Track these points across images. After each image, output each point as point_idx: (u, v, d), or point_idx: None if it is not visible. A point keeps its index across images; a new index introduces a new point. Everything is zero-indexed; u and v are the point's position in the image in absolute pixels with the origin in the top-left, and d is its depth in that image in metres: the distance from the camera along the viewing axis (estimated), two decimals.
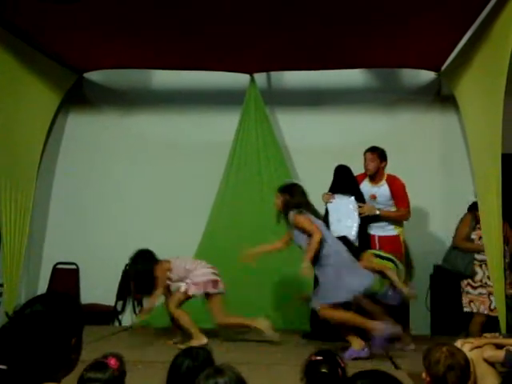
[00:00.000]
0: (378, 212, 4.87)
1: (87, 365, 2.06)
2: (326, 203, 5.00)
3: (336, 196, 4.97)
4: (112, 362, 2.05)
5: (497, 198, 4.21)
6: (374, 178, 4.98)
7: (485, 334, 3.27)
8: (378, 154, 4.95)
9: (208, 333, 4.68)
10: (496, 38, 4.23)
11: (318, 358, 2.25)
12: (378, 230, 4.93)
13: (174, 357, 2.22)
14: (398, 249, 4.86)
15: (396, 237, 4.92)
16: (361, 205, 4.88)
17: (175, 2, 4.51)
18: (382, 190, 4.93)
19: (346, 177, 5.00)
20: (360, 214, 4.86)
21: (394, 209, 4.95)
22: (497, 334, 3.37)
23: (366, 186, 5.02)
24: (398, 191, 4.91)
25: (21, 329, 1.55)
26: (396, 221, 4.96)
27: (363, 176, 5.07)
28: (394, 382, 1.80)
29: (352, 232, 4.85)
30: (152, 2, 4.49)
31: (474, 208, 4.79)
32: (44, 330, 1.56)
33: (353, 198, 4.91)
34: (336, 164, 5.08)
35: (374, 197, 4.94)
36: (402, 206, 4.91)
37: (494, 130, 4.23)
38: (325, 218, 5.00)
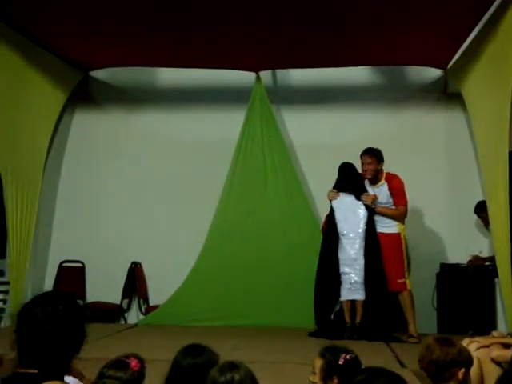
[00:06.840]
0: (374, 206, 4.87)
1: (108, 362, 2.07)
2: (331, 201, 4.99)
3: (341, 194, 4.96)
4: (134, 363, 2.06)
5: (504, 196, 4.20)
6: (374, 179, 4.97)
7: (492, 333, 3.24)
8: (376, 156, 4.93)
9: (213, 331, 4.67)
10: (503, 35, 4.21)
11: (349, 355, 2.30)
12: (379, 227, 4.91)
13: (176, 354, 2.22)
14: (397, 247, 4.87)
15: (396, 235, 4.91)
16: (366, 194, 4.88)
17: (181, 1, 4.50)
18: (382, 190, 4.93)
19: (350, 174, 4.98)
20: (363, 200, 4.85)
21: (393, 207, 4.93)
22: (505, 333, 3.34)
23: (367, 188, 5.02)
24: (395, 189, 4.91)
25: (32, 331, 1.57)
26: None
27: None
28: (391, 378, 1.80)
29: (359, 230, 4.85)
30: (158, 0, 4.49)
31: (480, 209, 4.69)
32: (53, 330, 1.58)
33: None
34: (341, 162, 5.04)
35: (375, 197, 4.92)
36: (399, 204, 4.91)
37: (501, 127, 4.21)
38: (330, 216, 5.01)
